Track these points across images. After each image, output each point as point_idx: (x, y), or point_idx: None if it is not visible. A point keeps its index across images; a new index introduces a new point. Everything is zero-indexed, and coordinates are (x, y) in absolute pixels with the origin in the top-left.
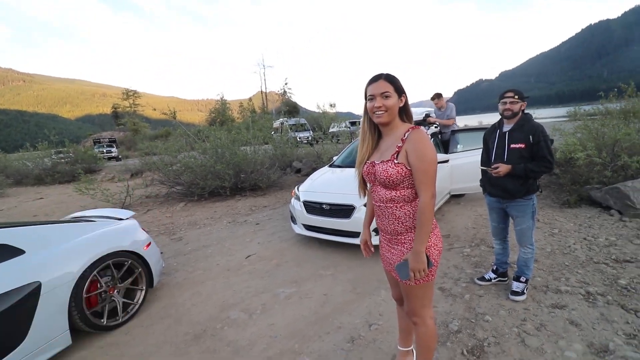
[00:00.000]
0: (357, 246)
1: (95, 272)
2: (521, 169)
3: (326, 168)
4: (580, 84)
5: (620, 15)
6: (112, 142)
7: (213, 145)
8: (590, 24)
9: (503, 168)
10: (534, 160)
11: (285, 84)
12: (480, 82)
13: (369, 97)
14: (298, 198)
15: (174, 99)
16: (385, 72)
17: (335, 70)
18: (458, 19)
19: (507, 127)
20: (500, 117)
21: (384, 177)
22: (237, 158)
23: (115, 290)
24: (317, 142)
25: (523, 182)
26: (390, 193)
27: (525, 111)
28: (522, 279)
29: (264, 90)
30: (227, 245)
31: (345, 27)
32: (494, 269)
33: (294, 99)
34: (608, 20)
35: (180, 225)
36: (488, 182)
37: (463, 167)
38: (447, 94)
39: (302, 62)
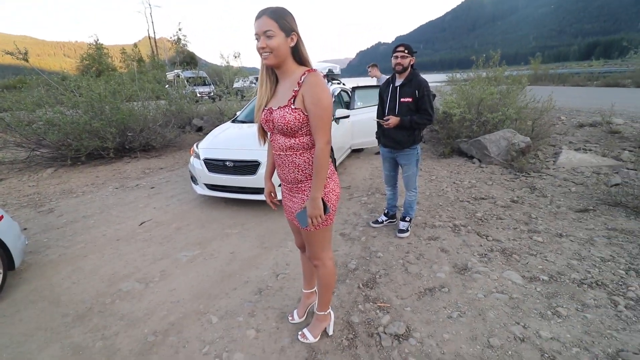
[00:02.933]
0: (264, 202)
1: None
2: (407, 120)
3: (228, 124)
4: (457, 52)
5: None
6: None
7: (87, 98)
8: None
9: (393, 120)
10: (418, 112)
11: (180, 29)
12: (379, 45)
13: (254, 36)
14: (198, 156)
15: (28, 39)
16: (271, 7)
17: (240, 18)
18: None
19: (398, 82)
20: (393, 71)
21: (282, 124)
22: (120, 114)
23: None
24: (220, 98)
25: (410, 133)
26: (290, 140)
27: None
28: (407, 218)
29: (152, 35)
30: (114, 213)
31: None
32: (385, 212)
33: (192, 48)
34: None
35: (49, 195)
36: (382, 134)
37: (363, 122)
38: (351, 54)
39: (200, 4)
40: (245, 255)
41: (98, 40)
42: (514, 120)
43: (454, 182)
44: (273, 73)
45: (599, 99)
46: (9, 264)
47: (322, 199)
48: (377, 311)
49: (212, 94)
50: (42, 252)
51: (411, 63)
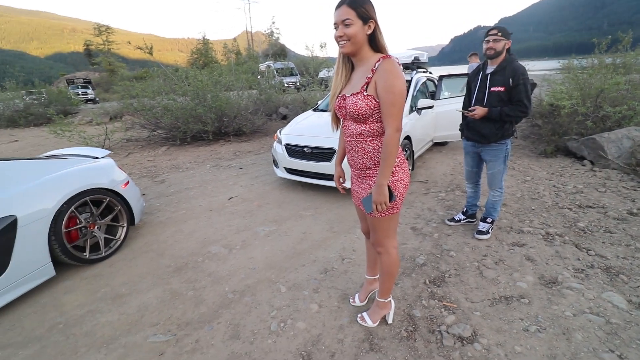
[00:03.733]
0: (335, 189)
1: (72, 208)
2: (497, 112)
3: (310, 112)
4: (579, 35)
5: None
6: (87, 83)
7: (194, 87)
8: None
9: (479, 111)
10: (511, 103)
11: (273, 22)
12: (478, 29)
13: (334, 25)
14: (280, 142)
15: (152, 37)
16: None
17: (329, 8)
18: None
19: (490, 69)
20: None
21: (354, 110)
22: (219, 102)
23: (96, 227)
24: (305, 87)
25: (499, 127)
26: (360, 127)
27: (522, 62)
28: (489, 219)
29: (249, 29)
30: (209, 187)
31: None
32: (464, 210)
33: (282, 40)
34: None
35: (162, 168)
36: (466, 126)
37: (447, 114)
38: (444, 40)
39: None
40: (316, 236)
41: (205, 36)
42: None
43: (554, 185)
44: (349, 61)
45: None
46: (131, 220)
47: (389, 187)
48: (442, 309)
49: (297, 83)
50: (155, 214)
51: (506, 47)
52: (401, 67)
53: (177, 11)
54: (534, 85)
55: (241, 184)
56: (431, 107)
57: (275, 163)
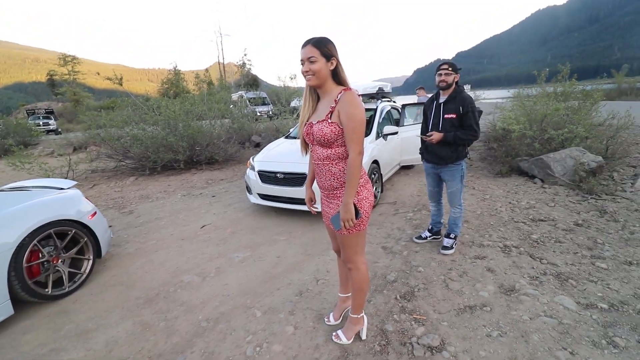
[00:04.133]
0: (308, 213)
1: (35, 242)
2: (451, 136)
3: (282, 139)
4: (527, 67)
5: (565, 2)
6: (49, 113)
7: (165, 116)
8: (539, 9)
9: (436, 136)
10: (462, 128)
11: (245, 54)
12: (438, 62)
13: (300, 62)
14: (253, 168)
15: (121, 67)
16: (315, 37)
17: (298, 42)
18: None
19: (442, 99)
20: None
21: (320, 136)
22: (190, 130)
23: (60, 260)
24: (277, 116)
25: (454, 149)
26: (326, 151)
27: (477, 91)
28: (452, 235)
29: (221, 61)
30: (181, 217)
31: None
32: (430, 228)
33: (254, 71)
34: (555, 6)
35: (130, 199)
36: (425, 149)
37: (412, 139)
38: (408, 72)
39: (262, 31)
40: (290, 260)
41: (176, 66)
42: (584, 139)
43: (510, 202)
44: (315, 92)
45: None
46: (98, 253)
47: (355, 205)
48: (412, 322)
49: (270, 112)
50: (123, 245)
51: (455, 80)
52: (361, 98)
53: (147, 42)
54: (480, 112)
55: (214, 211)
56: (396, 133)
57: (249, 189)
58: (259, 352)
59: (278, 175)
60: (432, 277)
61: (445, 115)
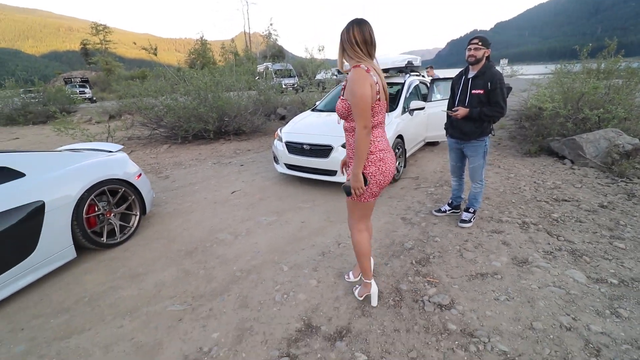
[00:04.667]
0: (334, 183)
1: (92, 197)
2: (476, 112)
3: (308, 112)
4: (574, 40)
5: None
6: (84, 82)
7: (196, 87)
8: None
9: (462, 111)
10: (489, 105)
11: (270, 24)
12: (474, 33)
13: None
14: (280, 139)
15: (149, 36)
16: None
17: (326, 11)
18: None
19: (471, 74)
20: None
21: (337, 110)
22: (220, 101)
23: (112, 214)
24: (303, 89)
25: (478, 125)
26: (345, 124)
27: (514, 66)
28: (471, 209)
29: (247, 31)
30: (212, 183)
31: None
32: (450, 202)
33: (280, 42)
34: None
35: (165, 165)
36: (450, 124)
37: (439, 115)
38: (440, 44)
39: (290, 1)
40: (314, 225)
41: (203, 36)
42: (623, 120)
43: (535, 182)
44: None
45: None
46: (143, 210)
47: (364, 174)
48: (425, 284)
49: (295, 85)
50: (162, 206)
51: (485, 55)
52: (369, 73)
53: (174, 11)
54: (509, 89)
55: (243, 179)
56: (422, 108)
57: (276, 159)
58: (286, 299)
59: (304, 146)
60: (447, 246)
61: (473, 91)
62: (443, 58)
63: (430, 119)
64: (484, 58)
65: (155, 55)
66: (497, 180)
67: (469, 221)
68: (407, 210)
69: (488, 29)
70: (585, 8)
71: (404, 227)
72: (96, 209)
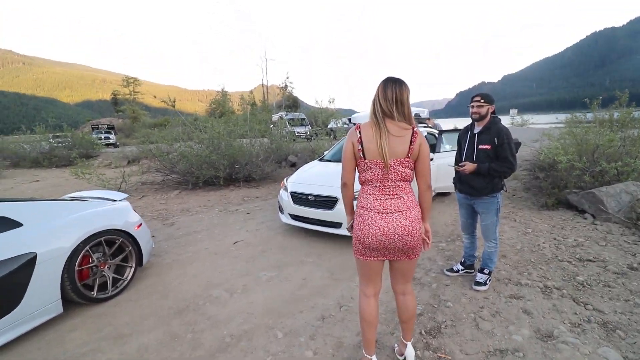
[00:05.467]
0: (339, 236)
1: (87, 248)
2: (485, 167)
3: (316, 162)
4: (582, 91)
5: (625, 23)
6: (110, 128)
7: (210, 135)
8: (595, 31)
9: (469, 167)
10: (498, 160)
11: (287, 77)
12: (482, 85)
13: None
14: (286, 189)
15: (175, 88)
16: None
17: (340, 66)
18: (462, 19)
19: (477, 129)
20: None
21: None
22: (232, 149)
23: (106, 266)
24: (314, 137)
25: (489, 181)
26: None
27: (524, 116)
28: (486, 271)
29: (265, 83)
30: (217, 231)
31: (350, 24)
32: (462, 261)
33: (295, 93)
34: (613, 28)
35: (173, 211)
36: (459, 179)
37: (445, 166)
38: (450, 95)
39: (306, 56)
40: (316, 283)
41: (224, 88)
42: (632, 172)
43: (555, 238)
44: None
45: None
46: (139, 261)
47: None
48: None
49: (307, 133)
50: (162, 256)
51: (489, 111)
52: (356, 131)
53: (199, 64)
54: (518, 144)
55: (247, 228)
56: (431, 159)
57: (281, 209)
58: None
59: (309, 197)
60: (461, 314)
61: (480, 146)
62: (453, 108)
63: (439, 169)
64: (488, 114)
65: (174, 106)
66: (514, 236)
67: (485, 283)
68: (416, 268)
69: (496, 80)
70: (591, 60)
71: (413, 288)
72: (90, 261)
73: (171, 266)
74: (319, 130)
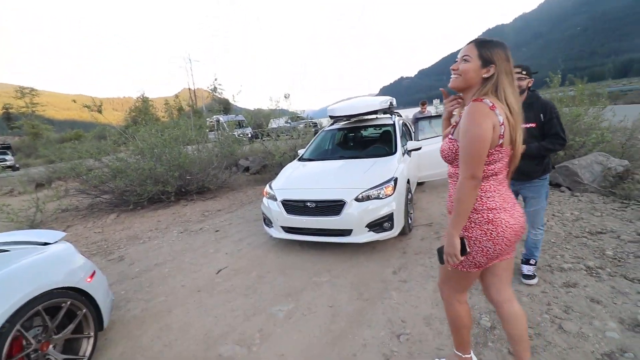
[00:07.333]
0: (345, 245)
1: (18, 327)
2: (535, 147)
3: (296, 162)
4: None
5: (511, 21)
6: (5, 148)
7: (149, 144)
8: (489, 28)
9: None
10: (545, 138)
11: (215, 79)
12: (401, 80)
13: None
14: (274, 198)
15: (84, 97)
16: (485, 38)
17: (263, 64)
18: (383, 18)
19: None
20: None
21: (441, 152)
22: (182, 158)
23: (51, 345)
24: (259, 137)
25: (539, 162)
26: (450, 169)
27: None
28: (532, 261)
29: (191, 87)
30: (186, 260)
31: (273, 23)
32: None
33: (226, 95)
34: (503, 25)
35: (116, 241)
36: None
37: (429, 154)
38: (374, 90)
39: (234, 56)
40: (348, 309)
41: (144, 94)
42: (597, 144)
43: (553, 215)
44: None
45: None
46: (99, 324)
47: (462, 239)
48: None
49: (249, 135)
50: (123, 306)
51: (529, 85)
52: (494, 111)
53: (110, 69)
54: None
55: (225, 250)
56: (419, 148)
57: (268, 222)
58: None
59: (308, 204)
60: (534, 317)
61: (523, 125)
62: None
63: (421, 158)
64: (527, 88)
65: (100, 112)
66: None
67: (534, 276)
68: None
69: (413, 75)
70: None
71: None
72: (24, 344)
73: (143, 320)
74: (259, 131)
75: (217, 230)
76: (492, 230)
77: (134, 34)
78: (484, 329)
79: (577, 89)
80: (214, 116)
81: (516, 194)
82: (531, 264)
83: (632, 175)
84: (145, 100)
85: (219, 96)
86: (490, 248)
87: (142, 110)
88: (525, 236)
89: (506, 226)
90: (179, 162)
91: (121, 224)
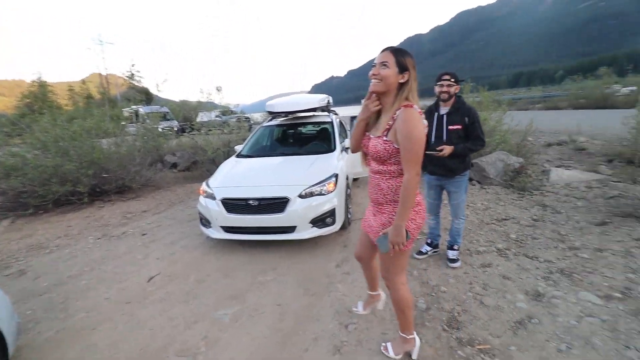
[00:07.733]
0: (288, 242)
1: None
2: (462, 148)
3: (234, 159)
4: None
5: (428, 31)
6: None
7: (53, 137)
8: (409, 36)
9: (447, 149)
10: (468, 138)
11: (133, 65)
12: (332, 79)
13: (372, 65)
14: (212, 196)
15: None
16: (396, 47)
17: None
18: (318, 18)
19: (444, 110)
20: (436, 99)
21: (374, 152)
22: (96, 153)
23: None
24: (185, 131)
25: (462, 160)
26: (379, 166)
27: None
28: (455, 246)
29: (102, 72)
30: (108, 269)
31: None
32: (429, 242)
33: (145, 84)
34: (420, 34)
35: (13, 252)
36: (430, 162)
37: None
38: (307, 87)
39: (234, 56)
40: (296, 305)
41: (41, 77)
42: (500, 143)
43: (468, 205)
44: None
45: (554, 120)
46: (3, 354)
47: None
48: (483, 355)
49: (175, 128)
50: (32, 328)
51: (456, 91)
52: (417, 116)
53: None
54: None
55: (156, 255)
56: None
57: (205, 222)
58: None
59: (250, 202)
60: (460, 295)
61: (450, 127)
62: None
63: (353, 155)
64: (454, 94)
65: None
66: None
67: (458, 259)
68: None
69: (342, 75)
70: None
71: None
72: None
73: (60, 341)
74: (189, 124)
75: (143, 234)
76: (420, 210)
77: (33, 8)
78: (420, 310)
79: (482, 96)
80: (133, 106)
81: (441, 189)
82: (455, 249)
83: (525, 170)
84: (42, 85)
85: (137, 84)
86: (420, 222)
87: (38, 97)
88: (450, 225)
89: (420, 203)
90: (93, 158)
91: (18, 232)
